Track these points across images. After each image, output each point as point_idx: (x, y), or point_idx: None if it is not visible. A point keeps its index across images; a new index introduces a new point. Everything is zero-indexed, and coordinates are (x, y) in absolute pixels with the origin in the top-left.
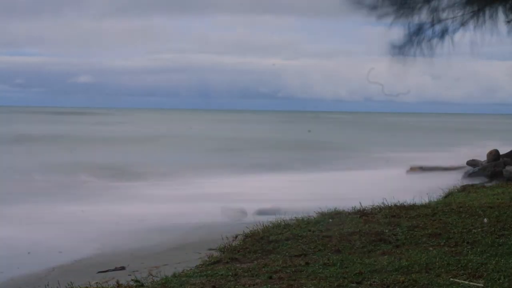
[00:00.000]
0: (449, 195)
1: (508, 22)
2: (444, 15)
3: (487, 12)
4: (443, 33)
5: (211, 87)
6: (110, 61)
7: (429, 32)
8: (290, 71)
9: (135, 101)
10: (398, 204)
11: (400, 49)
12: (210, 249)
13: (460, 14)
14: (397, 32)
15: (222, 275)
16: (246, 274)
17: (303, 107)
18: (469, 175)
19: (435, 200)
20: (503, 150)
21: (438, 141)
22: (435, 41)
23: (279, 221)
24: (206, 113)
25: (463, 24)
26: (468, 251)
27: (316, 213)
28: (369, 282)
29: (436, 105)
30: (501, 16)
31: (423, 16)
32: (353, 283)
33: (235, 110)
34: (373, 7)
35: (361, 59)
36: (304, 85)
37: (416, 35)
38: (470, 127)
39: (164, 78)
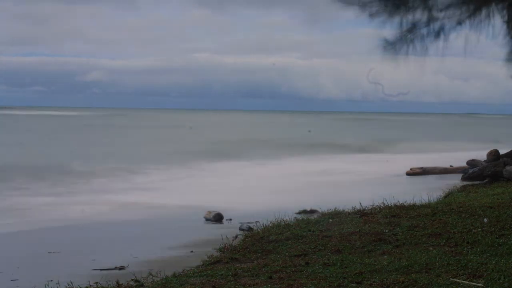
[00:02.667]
0: (449, 195)
1: (507, 22)
2: (440, 14)
3: (484, 12)
4: (438, 32)
5: (221, 87)
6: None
7: (424, 31)
8: (302, 70)
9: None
10: (398, 204)
11: (394, 47)
12: (210, 249)
13: (456, 13)
14: (391, 31)
15: (222, 275)
16: (246, 274)
17: (316, 108)
18: (469, 175)
19: (435, 200)
20: (503, 150)
21: (439, 141)
22: (430, 40)
23: (279, 221)
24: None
25: (459, 23)
26: (468, 251)
27: (316, 213)
28: (369, 282)
29: (455, 106)
30: (497, 16)
31: (418, 14)
32: (353, 283)
33: (258, 110)
34: (366, 5)
35: (377, 59)
36: (316, 85)
37: (410, 33)
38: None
39: (176, 78)
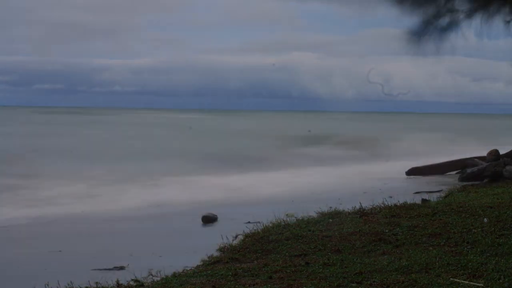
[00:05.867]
0: (449, 195)
1: (508, 22)
2: (455, 6)
3: (495, 7)
4: (453, 25)
5: (239, 88)
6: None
7: (441, 23)
8: (316, 70)
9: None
10: (398, 204)
11: (417, 37)
12: (210, 249)
13: (468, 7)
14: (414, 22)
15: (222, 275)
16: (246, 274)
17: (329, 108)
18: (467, 175)
19: (435, 200)
20: (503, 150)
21: (439, 141)
22: (446, 32)
23: (279, 221)
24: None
25: (469, 16)
26: (468, 251)
27: (316, 213)
28: (369, 282)
29: (476, 106)
30: (504, 14)
31: (437, 5)
32: (353, 283)
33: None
34: None
35: (392, 59)
36: (330, 85)
37: (430, 24)
38: None
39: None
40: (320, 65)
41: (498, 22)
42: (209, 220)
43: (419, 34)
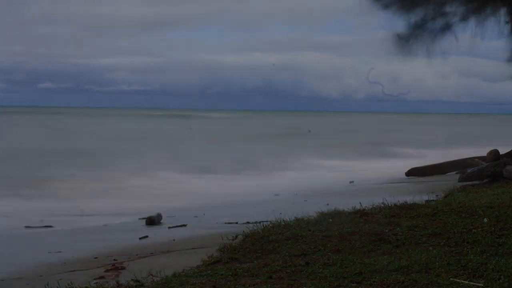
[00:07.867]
0: (449, 195)
1: (507, 22)
2: (447, 9)
3: (489, 10)
4: (445, 28)
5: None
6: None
7: (431, 26)
8: (324, 70)
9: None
10: (398, 204)
11: (405, 41)
12: (210, 249)
13: (462, 9)
14: (402, 25)
15: (222, 275)
16: (246, 274)
17: (338, 108)
18: (467, 174)
19: (435, 200)
20: (502, 150)
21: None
22: (437, 35)
23: (279, 221)
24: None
25: (464, 19)
26: (468, 251)
27: (316, 213)
28: (369, 282)
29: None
30: (502, 14)
31: (427, 9)
32: (353, 283)
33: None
34: None
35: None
36: (339, 85)
37: (420, 28)
38: None
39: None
40: (329, 65)
41: (494, 23)
42: (152, 221)
43: (408, 37)
